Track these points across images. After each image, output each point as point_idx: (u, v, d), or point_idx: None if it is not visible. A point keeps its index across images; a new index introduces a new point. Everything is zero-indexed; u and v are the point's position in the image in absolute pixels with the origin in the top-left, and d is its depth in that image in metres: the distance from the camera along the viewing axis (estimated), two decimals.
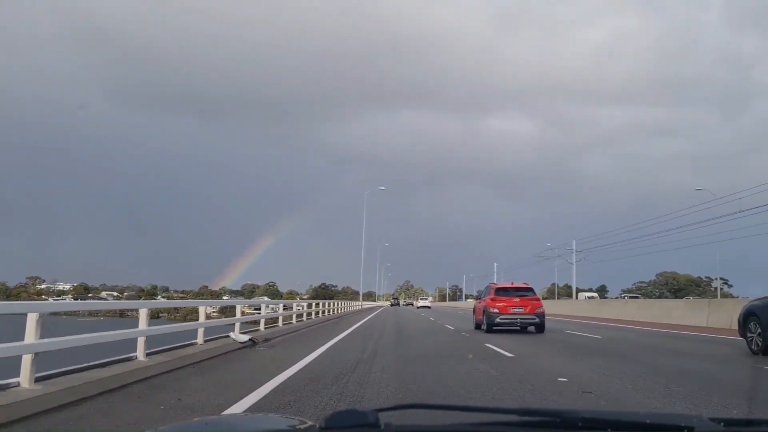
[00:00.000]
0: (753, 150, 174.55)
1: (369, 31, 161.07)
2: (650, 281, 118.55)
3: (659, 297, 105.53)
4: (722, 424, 1.30)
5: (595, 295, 59.27)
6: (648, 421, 1.31)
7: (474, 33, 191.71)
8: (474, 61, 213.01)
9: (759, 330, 10.88)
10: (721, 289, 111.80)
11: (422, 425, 1.33)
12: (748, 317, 11.46)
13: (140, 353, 7.70)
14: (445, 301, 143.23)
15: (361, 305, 53.37)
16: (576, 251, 47.67)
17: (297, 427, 1.40)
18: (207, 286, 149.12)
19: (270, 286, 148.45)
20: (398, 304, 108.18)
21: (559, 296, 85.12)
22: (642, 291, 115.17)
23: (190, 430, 1.50)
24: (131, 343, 7.74)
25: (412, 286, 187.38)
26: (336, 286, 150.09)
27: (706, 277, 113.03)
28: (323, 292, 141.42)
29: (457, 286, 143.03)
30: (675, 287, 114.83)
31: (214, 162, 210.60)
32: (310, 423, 1.32)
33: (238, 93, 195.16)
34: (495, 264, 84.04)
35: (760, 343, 10.76)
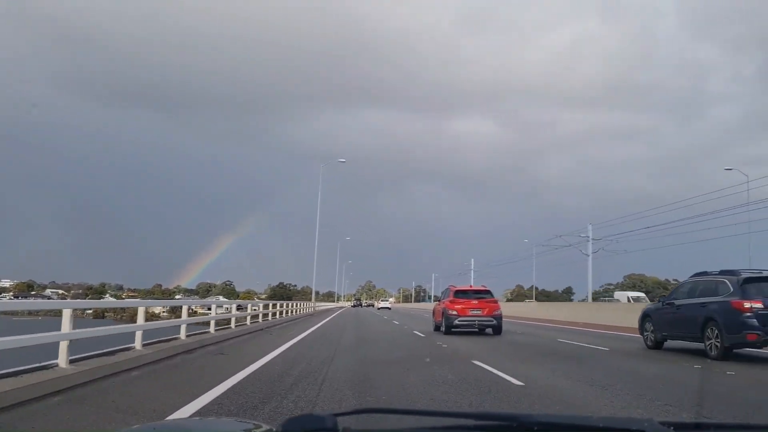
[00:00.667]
0: (707, 155, 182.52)
1: (335, 28, 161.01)
2: (617, 283, 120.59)
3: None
4: (672, 428, 1.35)
5: (642, 295, 54.37)
6: (601, 425, 1.36)
7: (439, 34, 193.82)
8: (438, 61, 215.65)
9: (652, 329, 14.09)
10: None
11: (380, 429, 1.35)
12: (644, 318, 14.53)
13: (62, 360, 6.90)
14: (410, 301, 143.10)
15: (313, 307, 46.26)
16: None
17: (252, 431, 1.39)
18: (160, 285, 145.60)
19: (227, 285, 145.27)
20: (360, 304, 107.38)
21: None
22: (609, 294, 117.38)
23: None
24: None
25: (374, 287, 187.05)
26: (295, 285, 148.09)
27: (674, 280, 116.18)
28: (281, 292, 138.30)
29: (421, 287, 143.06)
30: (642, 289, 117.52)
31: (172, 157, 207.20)
32: (266, 427, 1.29)
33: (197, 86, 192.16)
34: (472, 260, 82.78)
35: (652, 339, 14.01)
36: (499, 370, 8.81)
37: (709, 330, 11.95)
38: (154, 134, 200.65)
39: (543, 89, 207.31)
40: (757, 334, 11.07)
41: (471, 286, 21.52)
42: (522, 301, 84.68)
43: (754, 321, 11.17)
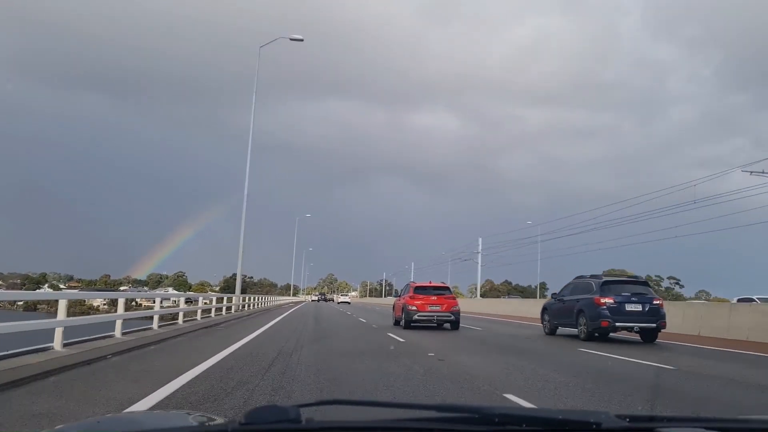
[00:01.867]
0: (664, 154, 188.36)
1: (297, 13, 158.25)
2: None
3: None
4: (627, 420, 1.47)
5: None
6: (560, 417, 1.45)
7: (402, 24, 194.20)
8: (402, 52, 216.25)
9: (548, 319, 18.86)
10: (672, 289, 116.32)
11: (343, 420, 1.35)
12: (543, 311, 19.69)
13: None
14: (374, 296, 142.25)
15: (264, 302, 42.91)
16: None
17: (214, 422, 1.41)
18: (108, 275, 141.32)
19: (179, 276, 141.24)
20: (325, 299, 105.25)
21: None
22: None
23: (92, 428, 1.43)
24: None
25: (336, 280, 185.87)
26: (252, 277, 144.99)
27: (656, 276, 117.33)
28: (234, 284, 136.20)
29: (386, 281, 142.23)
30: None
31: (125, 144, 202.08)
32: (220, 420, 1.32)
33: (151, 70, 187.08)
34: (415, 261, 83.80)
35: (548, 327, 18.78)
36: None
37: (580, 319, 16.53)
38: (106, 121, 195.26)
39: (506, 84, 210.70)
40: (608, 321, 15.59)
41: (430, 282, 22.24)
42: (496, 297, 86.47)
43: (607, 312, 15.69)
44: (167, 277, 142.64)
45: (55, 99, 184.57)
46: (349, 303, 75.89)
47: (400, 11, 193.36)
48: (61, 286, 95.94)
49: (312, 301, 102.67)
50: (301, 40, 32.03)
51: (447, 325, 20.18)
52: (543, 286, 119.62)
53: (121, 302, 11.48)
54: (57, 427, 1.41)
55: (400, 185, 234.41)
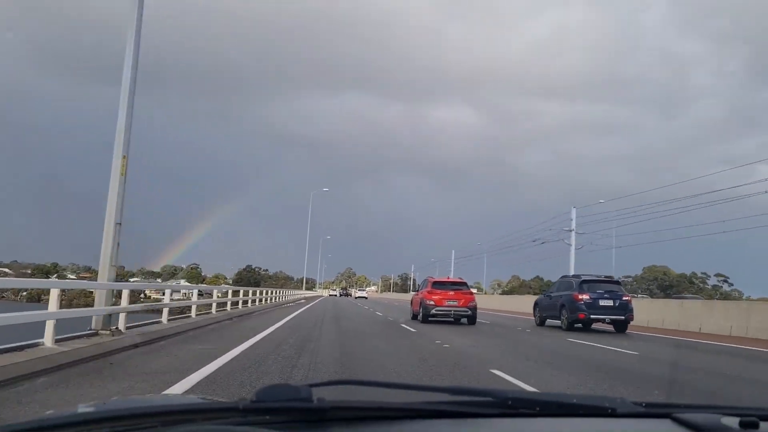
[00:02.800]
0: (686, 152, 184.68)
1: (316, 6, 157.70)
2: (636, 275, 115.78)
3: (647, 294, 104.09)
4: (643, 405, 1.49)
5: None
6: (574, 402, 1.47)
7: (422, 16, 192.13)
8: (421, 45, 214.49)
9: (538, 312, 22.75)
10: (721, 287, 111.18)
11: (355, 401, 1.35)
12: (534, 305, 23.63)
13: None
14: (393, 291, 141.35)
15: (280, 295, 40.07)
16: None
17: (228, 401, 1.39)
18: (123, 267, 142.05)
19: (193, 268, 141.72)
20: (347, 293, 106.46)
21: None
22: (628, 288, 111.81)
23: (118, 406, 1.48)
24: None
25: (354, 274, 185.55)
26: (267, 270, 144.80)
27: (702, 273, 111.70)
28: (249, 276, 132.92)
29: (407, 275, 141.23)
30: (665, 283, 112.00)
31: (149, 138, 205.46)
32: (231, 403, 1.30)
33: (173, 64, 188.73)
34: (453, 251, 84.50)
35: (538, 320, 22.63)
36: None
37: (562, 312, 20.10)
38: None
39: (524, 78, 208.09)
40: (585, 314, 19.13)
41: (448, 278, 24.81)
42: (526, 293, 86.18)
43: (584, 306, 19.24)
44: (182, 269, 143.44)
45: (73, 89, 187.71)
46: (366, 298, 79.99)
47: (419, 4, 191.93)
48: (71, 276, 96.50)
49: (330, 295, 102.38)
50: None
51: (464, 320, 21.25)
52: None
53: (125, 294, 10.85)
54: (88, 404, 1.47)
55: (417, 180, 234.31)
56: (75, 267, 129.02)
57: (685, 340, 17.24)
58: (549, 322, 21.88)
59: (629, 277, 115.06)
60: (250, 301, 26.52)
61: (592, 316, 19.15)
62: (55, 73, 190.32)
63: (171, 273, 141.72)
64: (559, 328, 20.10)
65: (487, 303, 43.73)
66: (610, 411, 1.43)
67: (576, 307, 19.32)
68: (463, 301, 20.92)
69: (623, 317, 19.20)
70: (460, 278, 23.43)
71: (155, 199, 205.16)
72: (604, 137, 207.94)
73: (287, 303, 39.68)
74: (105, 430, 1.13)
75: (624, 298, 19.59)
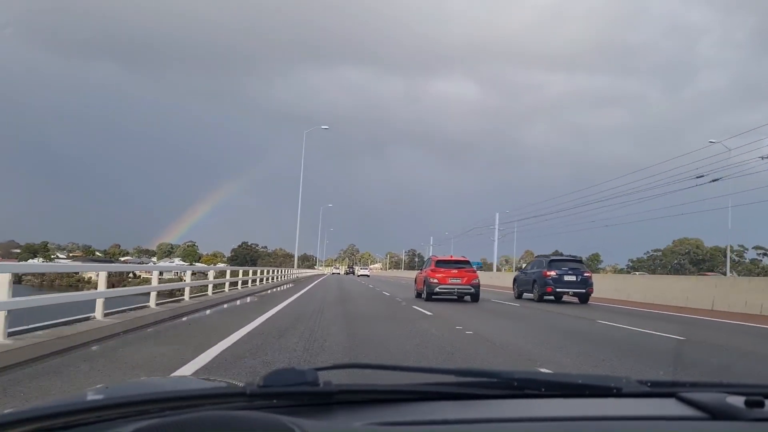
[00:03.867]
0: (692, 123, 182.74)
1: None
2: (665, 248, 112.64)
3: (675, 269, 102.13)
4: (648, 384, 1.55)
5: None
6: (580, 382, 1.51)
7: None
8: (420, 17, 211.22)
9: (516, 287, 26.99)
10: (761, 261, 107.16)
11: (361, 384, 1.40)
12: (513, 281, 28.12)
13: None
14: (400, 268, 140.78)
15: (275, 275, 37.41)
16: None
17: (235, 386, 1.44)
18: (118, 245, 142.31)
19: (188, 246, 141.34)
20: (353, 272, 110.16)
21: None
22: (657, 261, 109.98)
23: (125, 391, 1.48)
24: None
25: (358, 251, 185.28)
26: (265, 247, 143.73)
27: (739, 246, 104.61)
28: (245, 253, 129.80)
29: (414, 251, 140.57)
30: (698, 257, 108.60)
31: (145, 115, 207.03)
32: (240, 385, 1.36)
33: (168, 41, 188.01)
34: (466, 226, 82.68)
35: (516, 293, 26.73)
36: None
37: (534, 286, 24.22)
38: (120, 90, 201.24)
39: (526, 50, 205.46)
40: (552, 287, 23.11)
41: (451, 257, 25.19)
42: None
43: (551, 282, 23.18)
44: (178, 247, 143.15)
45: (69, 67, 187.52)
46: (368, 276, 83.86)
47: None
48: (62, 257, 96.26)
49: (333, 274, 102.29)
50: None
51: (467, 297, 22.46)
52: (596, 258, 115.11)
53: (102, 277, 10.05)
54: (97, 386, 1.56)
55: (420, 156, 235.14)
56: (75, 246, 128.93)
57: (639, 310, 20.40)
58: (525, 295, 25.92)
59: (658, 251, 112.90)
60: (240, 282, 24.70)
61: (557, 290, 23.33)
62: (52, 48, 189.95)
63: (167, 251, 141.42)
64: (532, 300, 24.30)
65: (488, 280, 44.57)
66: (615, 391, 1.49)
67: (545, 282, 23.44)
68: (466, 279, 22.10)
69: (584, 290, 23.39)
70: (463, 257, 24.80)
71: (154, 178, 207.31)
72: (607, 109, 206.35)
73: (285, 283, 38.74)
74: (109, 417, 1.16)
75: (585, 274, 23.80)
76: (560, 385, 1.51)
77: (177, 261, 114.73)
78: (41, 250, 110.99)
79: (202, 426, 1.09)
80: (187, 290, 16.93)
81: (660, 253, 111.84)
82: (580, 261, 25.39)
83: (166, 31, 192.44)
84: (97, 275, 10.58)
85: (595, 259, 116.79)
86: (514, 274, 32.11)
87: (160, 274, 20.40)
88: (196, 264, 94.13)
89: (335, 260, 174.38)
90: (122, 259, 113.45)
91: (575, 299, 23.71)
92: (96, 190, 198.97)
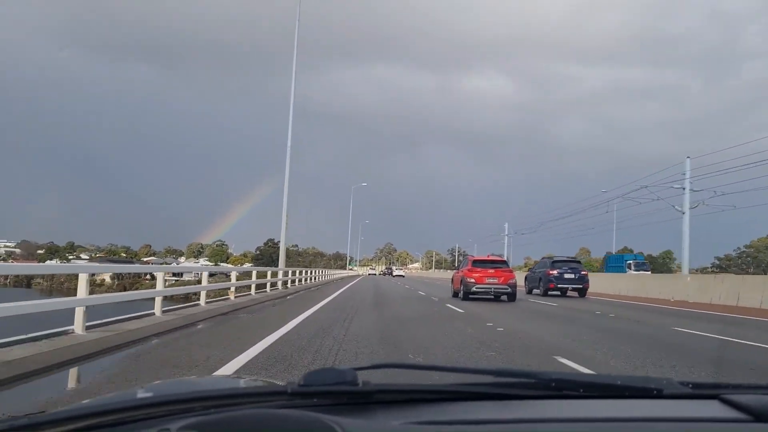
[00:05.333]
0: (737, 116, 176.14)
1: None
2: (745, 246, 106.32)
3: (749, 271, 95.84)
4: (690, 386, 1.60)
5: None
6: (619, 383, 1.56)
7: None
8: (452, 11, 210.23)
9: (527, 284, 33.22)
10: None
11: (400, 384, 1.45)
12: (525, 279, 33.90)
13: None
14: (436, 268, 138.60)
15: (305, 276, 36.36)
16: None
17: (275, 385, 1.54)
18: (149, 245, 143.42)
19: (218, 246, 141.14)
20: (391, 272, 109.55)
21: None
22: (749, 260, 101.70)
23: (169, 390, 1.67)
24: None
25: (395, 250, 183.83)
26: (296, 245, 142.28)
27: None
28: (270, 252, 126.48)
29: (458, 249, 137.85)
30: None
31: (176, 117, 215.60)
32: (281, 384, 1.43)
33: (199, 40, 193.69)
34: (506, 224, 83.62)
35: (527, 289, 32.64)
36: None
37: (540, 283, 30.18)
38: (155, 93, 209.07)
39: (561, 43, 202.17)
40: (554, 284, 28.95)
41: (489, 256, 27.21)
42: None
43: (554, 279, 29.00)
44: (208, 247, 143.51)
45: (108, 70, 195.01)
46: (403, 276, 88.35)
47: None
48: (84, 257, 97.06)
49: (369, 275, 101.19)
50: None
51: (504, 297, 23.54)
52: (668, 255, 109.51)
53: (81, 281, 8.63)
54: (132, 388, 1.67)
55: (456, 152, 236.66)
56: (113, 248, 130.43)
57: (624, 302, 25.54)
58: (534, 291, 31.44)
59: (750, 247, 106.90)
60: (253, 286, 21.74)
61: (559, 286, 29.27)
62: (91, 51, 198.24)
63: (197, 252, 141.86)
64: (536, 294, 30.05)
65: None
66: (655, 392, 1.52)
67: (548, 279, 29.48)
68: (503, 278, 23.17)
69: (581, 286, 29.29)
70: (500, 256, 28.67)
71: (189, 180, 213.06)
72: (646, 102, 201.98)
73: (316, 285, 36.96)
74: (156, 415, 1.24)
75: (582, 273, 29.69)
76: (599, 386, 1.57)
77: (202, 261, 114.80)
78: (64, 251, 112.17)
79: (245, 423, 1.15)
80: (202, 294, 15.68)
81: (752, 249, 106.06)
82: (578, 262, 32.37)
83: (198, 34, 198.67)
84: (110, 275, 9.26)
85: (667, 256, 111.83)
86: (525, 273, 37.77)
87: (180, 275, 19.03)
88: (209, 265, 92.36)
89: (371, 260, 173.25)
90: (145, 259, 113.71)
91: (575, 294, 29.58)
92: (134, 192, 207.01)
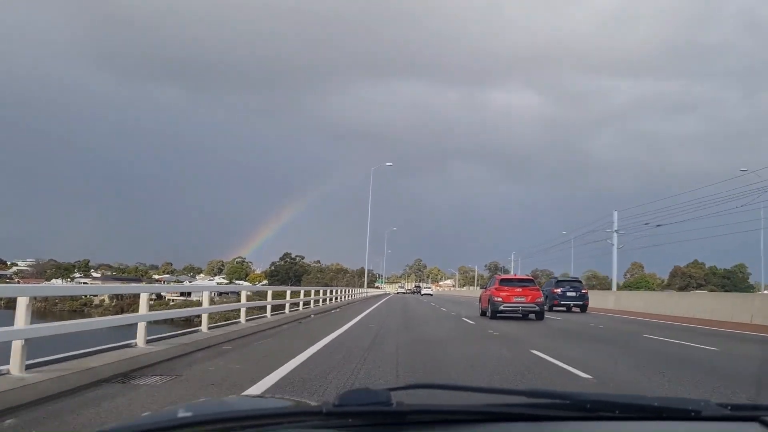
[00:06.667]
0: None
1: None
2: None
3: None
4: (729, 408, 1.63)
5: None
6: (656, 405, 1.62)
7: None
8: (476, 26, 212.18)
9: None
10: None
11: (433, 404, 1.53)
12: None
13: None
14: (474, 285, 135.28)
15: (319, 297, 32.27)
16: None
17: (310, 405, 1.58)
18: (170, 264, 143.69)
19: (238, 263, 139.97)
20: (420, 291, 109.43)
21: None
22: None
23: (200, 407, 1.66)
24: None
25: (425, 266, 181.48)
26: (318, 261, 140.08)
27: None
28: (287, 268, 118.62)
29: (497, 264, 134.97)
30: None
31: (204, 136, 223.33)
32: (314, 404, 1.48)
33: (225, 63, 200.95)
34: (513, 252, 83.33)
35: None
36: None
37: (546, 300, 31.12)
38: (181, 114, 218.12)
39: (591, 55, 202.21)
40: (558, 301, 35.00)
41: (515, 275, 31.35)
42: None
43: (558, 296, 35.15)
44: (228, 263, 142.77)
45: (140, 96, 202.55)
46: (431, 295, 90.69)
47: None
48: (96, 275, 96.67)
49: (398, 293, 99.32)
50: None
51: (532, 315, 24.46)
52: (741, 269, 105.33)
53: (20, 310, 6.93)
54: (145, 413, 1.64)
55: (483, 168, 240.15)
56: (142, 267, 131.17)
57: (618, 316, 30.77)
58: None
59: None
60: (269, 307, 20.11)
61: (562, 302, 34.27)
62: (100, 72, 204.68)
63: (217, 269, 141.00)
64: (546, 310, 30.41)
65: None
66: (693, 414, 1.58)
67: (553, 297, 34.11)
68: (530, 297, 24.08)
69: (582, 303, 34.45)
70: (527, 275, 30.21)
71: (219, 199, 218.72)
72: (680, 116, 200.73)
73: (331, 309, 32.90)
74: None
75: (582, 291, 35.18)
76: (635, 407, 1.63)
77: (217, 280, 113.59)
78: (74, 269, 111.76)
79: None
80: (204, 319, 14.06)
81: None
82: (579, 281, 38.35)
83: (227, 56, 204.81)
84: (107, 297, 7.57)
85: (740, 270, 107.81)
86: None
87: (188, 294, 17.37)
88: (223, 283, 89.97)
89: (400, 277, 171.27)
90: (157, 277, 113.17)
91: (577, 310, 34.84)
92: (162, 210, 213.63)
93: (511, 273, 75.77)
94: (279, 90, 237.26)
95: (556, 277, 36.61)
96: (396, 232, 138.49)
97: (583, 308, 34.15)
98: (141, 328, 10.56)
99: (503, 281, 25.47)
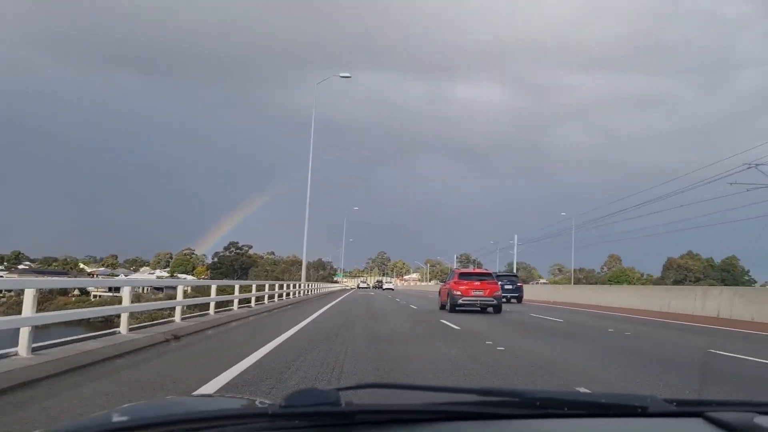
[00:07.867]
0: (731, 125, 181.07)
1: None
2: None
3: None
4: (675, 404, 1.70)
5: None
6: (603, 401, 1.68)
7: None
8: (440, 19, 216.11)
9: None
10: None
11: (382, 404, 1.54)
12: None
13: None
14: (430, 281, 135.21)
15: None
16: None
17: (257, 405, 1.57)
18: (116, 256, 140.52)
19: (185, 254, 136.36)
20: (381, 286, 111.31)
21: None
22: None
23: (142, 409, 1.61)
24: None
25: (389, 260, 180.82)
26: (272, 252, 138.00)
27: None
28: (231, 260, 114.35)
29: (468, 257, 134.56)
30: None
31: (159, 124, 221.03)
32: (269, 402, 1.46)
33: (184, 49, 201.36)
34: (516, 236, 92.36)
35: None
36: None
37: None
38: (139, 101, 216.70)
39: (554, 51, 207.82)
40: (506, 297, 39.25)
41: (474, 269, 32.73)
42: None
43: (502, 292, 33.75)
44: (177, 256, 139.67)
45: (94, 82, 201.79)
46: (392, 289, 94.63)
47: None
48: (21, 267, 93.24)
49: (360, 287, 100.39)
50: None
51: (490, 309, 25.98)
52: (733, 261, 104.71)
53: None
54: (117, 408, 1.56)
55: (443, 164, 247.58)
56: (72, 261, 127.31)
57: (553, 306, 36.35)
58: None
59: None
60: (212, 304, 18.74)
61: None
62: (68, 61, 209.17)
63: (164, 262, 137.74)
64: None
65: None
66: (640, 410, 1.64)
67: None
68: (488, 291, 25.51)
69: (517, 294, 41.06)
70: (486, 269, 31.66)
71: (191, 191, 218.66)
72: (641, 112, 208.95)
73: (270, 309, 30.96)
74: None
75: (518, 285, 41.95)
76: (583, 404, 1.70)
77: (158, 273, 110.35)
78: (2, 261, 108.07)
79: None
80: (123, 319, 12.31)
81: None
82: (516, 276, 47.04)
83: (182, 43, 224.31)
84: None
85: (731, 263, 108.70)
86: None
87: (117, 290, 15.39)
88: (153, 276, 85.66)
89: (362, 271, 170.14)
90: (89, 270, 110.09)
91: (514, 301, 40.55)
92: (119, 204, 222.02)
93: (472, 267, 76.54)
94: (234, 81, 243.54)
95: (496, 272, 39.05)
96: (359, 226, 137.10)
97: (519, 299, 41.01)
98: (24, 333, 8.80)
99: (462, 275, 26.73)
